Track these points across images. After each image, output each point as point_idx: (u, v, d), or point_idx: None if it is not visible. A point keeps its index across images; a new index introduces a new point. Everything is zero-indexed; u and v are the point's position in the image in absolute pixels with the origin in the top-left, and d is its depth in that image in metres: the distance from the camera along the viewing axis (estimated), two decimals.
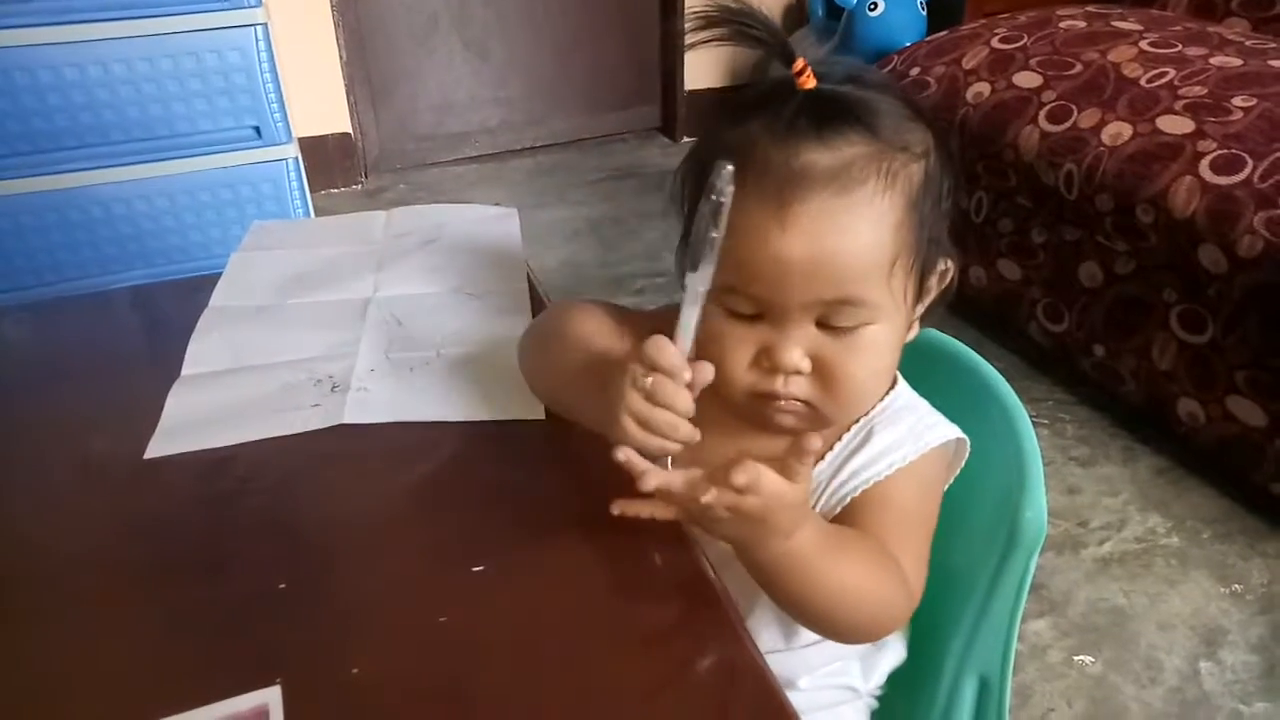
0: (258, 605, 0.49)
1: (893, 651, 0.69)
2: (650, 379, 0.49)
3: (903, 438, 0.60)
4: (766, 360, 0.54)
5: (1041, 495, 0.61)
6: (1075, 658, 1.22)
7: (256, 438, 0.63)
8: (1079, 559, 1.38)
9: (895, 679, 0.71)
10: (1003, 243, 1.77)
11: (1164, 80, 1.55)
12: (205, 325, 0.78)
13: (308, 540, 0.55)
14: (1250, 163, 1.35)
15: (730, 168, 0.47)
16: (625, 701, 0.44)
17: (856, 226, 0.52)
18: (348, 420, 0.64)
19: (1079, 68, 1.66)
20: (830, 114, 0.52)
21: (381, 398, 0.67)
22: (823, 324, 0.54)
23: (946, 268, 0.60)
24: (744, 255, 0.51)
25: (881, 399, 0.62)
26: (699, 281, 0.49)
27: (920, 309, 0.61)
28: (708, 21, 0.54)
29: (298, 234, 0.98)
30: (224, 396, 0.68)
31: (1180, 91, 1.51)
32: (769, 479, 0.47)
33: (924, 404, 0.63)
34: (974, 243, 1.82)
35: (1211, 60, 1.56)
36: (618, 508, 0.51)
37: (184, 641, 0.48)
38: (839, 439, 0.62)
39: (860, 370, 0.55)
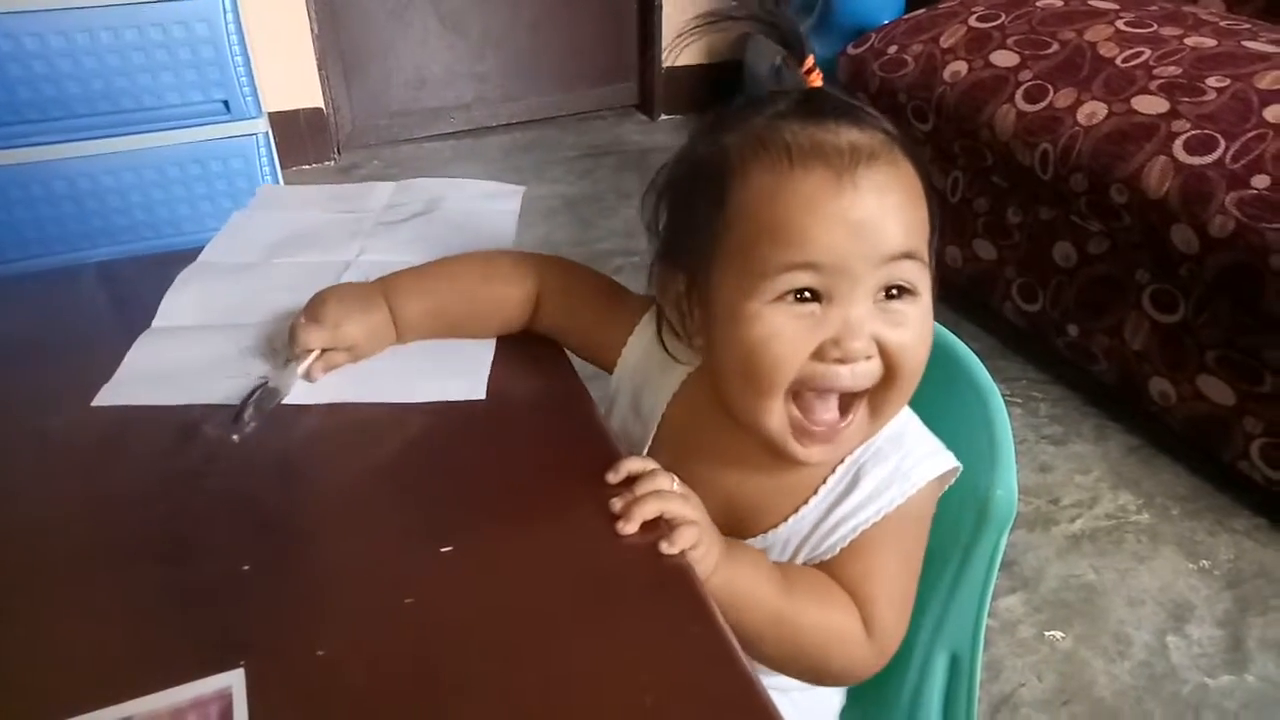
0: (221, 587, 0.49)
1: None
2: None
3: (890, 477, 0.59)
4: (836, 350, 0.52)
5: (1012, 474, 0.61)
6: (1046, 633, 1.24)
7: (201, 401, 0.62)
8: (1050, 536, 1.39)
9: None
10: (979, 222, 1.78)
11: (1139, 60, 1.55)
12: (185, 278, 0.78)
13: (272, 521, 0.54)
14: (1223, 143, 1.36)
15: None
16: (595, 683, 0.44)
17: (909, 193, 0.53)
18: (286, 401, 0.63)
19: (1055, 47, 1.66)
20: (851, 107, 0.55)
21: (326, 379, 0.66)
22: (886, 292, 0.53)
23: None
24: (813, 221, 0.51)
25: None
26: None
27: None
28: (734, 15, 0.57)
29: (303, 198, 0.98)
30: (182, 354, 0.68)
31: (1155, 71, 1.51)
32: None
33: (913, 428, 0.62)
34: (950, 222, 1.82)
35: (1186, 40, 1.56)
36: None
37: (145, 624, 0.47)
38: (824, 482, 0.61)
39: (919, 346, 0.54)
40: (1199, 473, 1.50)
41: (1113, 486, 1.49)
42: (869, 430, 0.57)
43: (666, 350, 0.62)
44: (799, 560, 0.62)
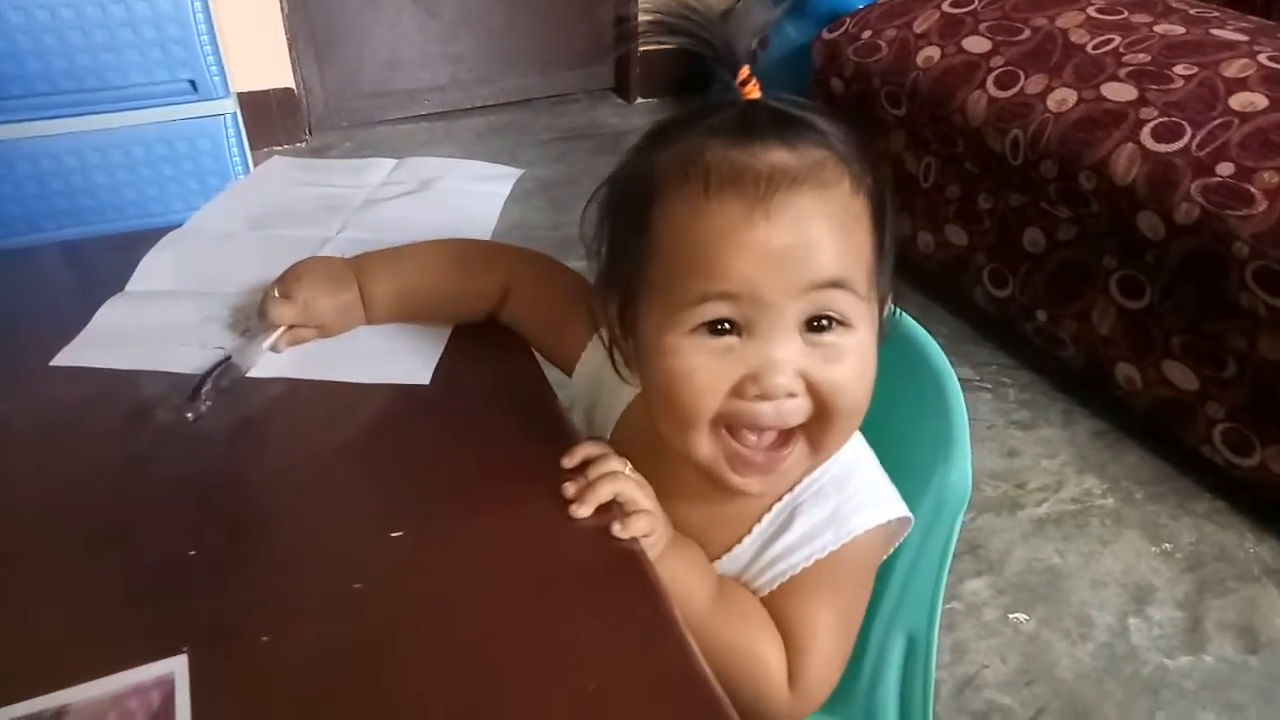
0: (166, 572, 0.48)
1: None
2: None
3: (825, 522, 0.57)
4: (755, 387, 0.49)
5: (967, 459, 0.62)
6: (1010, 615, 1.25)
7: (160, 369, 0.63)
8: (1016, 520, 1.41)
9: None
10: (950, 208, 1.78)
11: (1109, 47, 1.55)
12: (165, 243, 0.78)
13: (220, 504, 0.54)
14: (1189, 131, 1.37)
15: None
16: (542, 667, 0.44)
17: (840, 219, 0.49)
18: (248, 374, 0.63)
19: (1027, 33, 1.67)
20: (785, 121, 0.51)
21: (284, 355, 0.66)
22: (812, 324, 0.49)
23: (887, 300, 0.56)
24: (727, 250, 0.48)
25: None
26: None
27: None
28: (663, 27, 0.54)
29: (304, 172, 0.98)
30: (147, 320, 0.68)
31: (1125, 59, 1.52)
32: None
33: (863, 470, 0.60)
34: (922, 208, 1.83)
35: (1156, 28, 1.57)
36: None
37: (87, 609, 0.47)
38: (759, 521, 0.59)
39: (855, 384, 0.51)
40: (1163, 457, 1.52)
41: (1079, 471, 1.51)
42: (811, 463, 0.55)
43: (617, 371, 0.59)
44: None
